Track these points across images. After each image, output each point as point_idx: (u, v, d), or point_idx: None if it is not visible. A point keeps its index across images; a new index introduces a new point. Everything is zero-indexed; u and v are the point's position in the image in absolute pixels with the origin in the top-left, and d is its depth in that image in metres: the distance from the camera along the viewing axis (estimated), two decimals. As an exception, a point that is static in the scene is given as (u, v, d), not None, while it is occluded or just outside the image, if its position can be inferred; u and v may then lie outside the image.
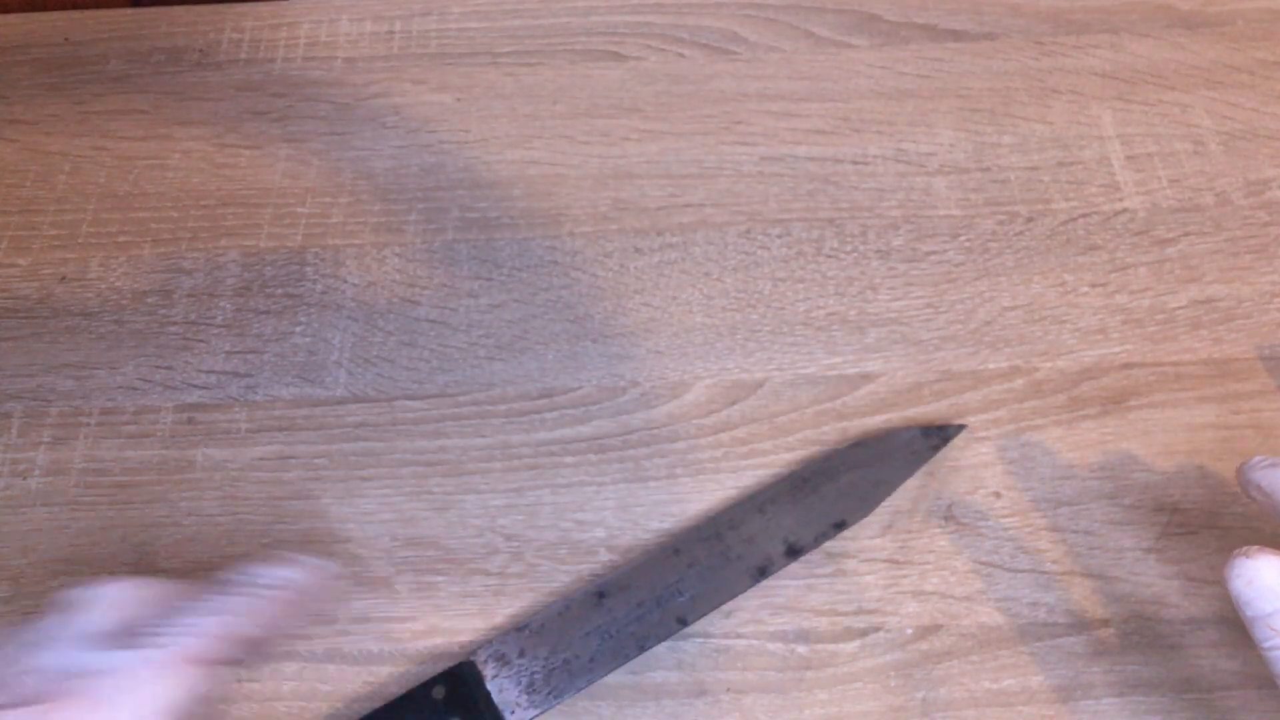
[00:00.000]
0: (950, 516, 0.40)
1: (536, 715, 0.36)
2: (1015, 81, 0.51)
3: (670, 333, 0.44)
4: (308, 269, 0.47)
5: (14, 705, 0.26)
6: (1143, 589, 0.38)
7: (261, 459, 0.42)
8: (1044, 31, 0.53)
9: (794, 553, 0.38)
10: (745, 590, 0.38)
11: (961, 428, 0.41)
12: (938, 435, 0.41)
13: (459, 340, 0.45)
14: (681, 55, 0.53)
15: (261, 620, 0.31)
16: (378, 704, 0.36)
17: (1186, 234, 0.46)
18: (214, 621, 0.30)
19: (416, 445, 0.42)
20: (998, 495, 0.40)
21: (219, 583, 0.31)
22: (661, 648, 0.37)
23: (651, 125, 0.50)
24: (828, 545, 0.39)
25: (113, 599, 0.30)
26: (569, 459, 0.42)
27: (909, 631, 0.38)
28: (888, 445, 0.40)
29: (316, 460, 0.42)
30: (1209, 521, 0.39)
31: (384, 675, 0.37)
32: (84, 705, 0.27)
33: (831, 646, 0.38)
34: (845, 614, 0.38)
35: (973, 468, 0.41)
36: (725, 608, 0.38)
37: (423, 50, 0.54)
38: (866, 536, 0.39)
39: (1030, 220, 0.47)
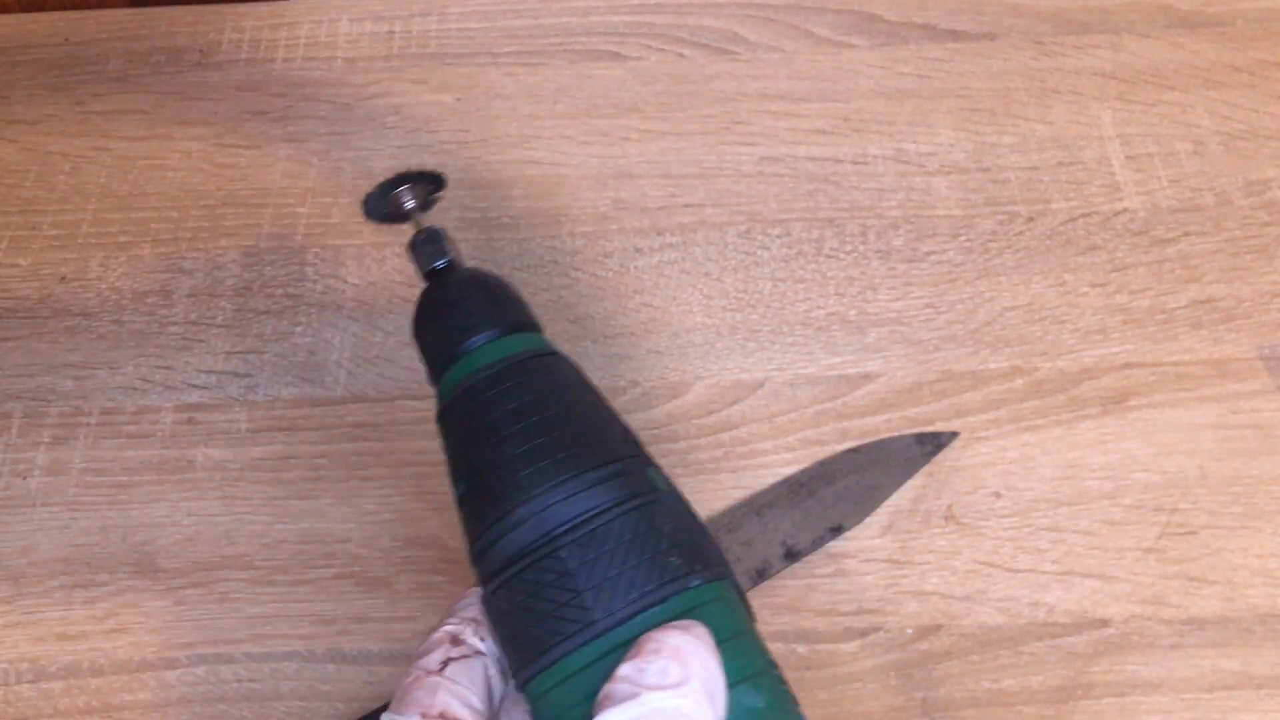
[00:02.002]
0: (950, 516, 0.40)
1: (537, 715, 0.36)
2: (1015, 81, 0.51)
3: (670, 333, 0.44)
4: (308, 269, 0.47)
5: None
6: (1143, 589, 0.38)
7: (261, 459, 0.42)
8: (1044, 31, 0.53)
9: (792, 556, 0.38)
10: (744, 592, 0.38)
11: (955, 435, 0.41)
12: (931, 442, 0.41)
13: (459, 340, 0.44)
14: (681, 55, 0.53)
15: None
16: (378, 704, 0.36)
17: (1186, 234, 0.46)
18: None
19: (416, 445, 0.42)
20: (998, 495, 0.40)
21: None
22: (661, 648, 0.37)
23: (651, 125, 0.50)
24: (827, 545, 0.39)
25: None
26: (569, 459, 0.41)
27: (909, 631, 0.38)
28: (882, 451, 0.40)
29: (316, 460, 0.42)
30: (1209, 521, 0.39)
31: (384, 675, 0.37)
32: None
33: (831, 646, 0.38)
34: (845, 614, 0.38)
35: (973, 468, 0.41)
36: (725, 608, 0.38)
37: (423, 50, 0.54)
38: (866, 537, 0.39)
39: (1030, 220, 0.47)
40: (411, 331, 0.32)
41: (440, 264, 0.32)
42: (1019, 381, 0.43)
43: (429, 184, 0.33)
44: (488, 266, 0.33)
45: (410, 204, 0.33)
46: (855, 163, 0.49)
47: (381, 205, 0.33)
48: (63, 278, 0.47)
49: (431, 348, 0.31)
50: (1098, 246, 0.46)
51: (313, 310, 0.45)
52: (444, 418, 0.30)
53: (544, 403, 0.28)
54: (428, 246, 0.32)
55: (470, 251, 0.47)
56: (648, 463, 0.29)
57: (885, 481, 0.40)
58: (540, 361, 0.30)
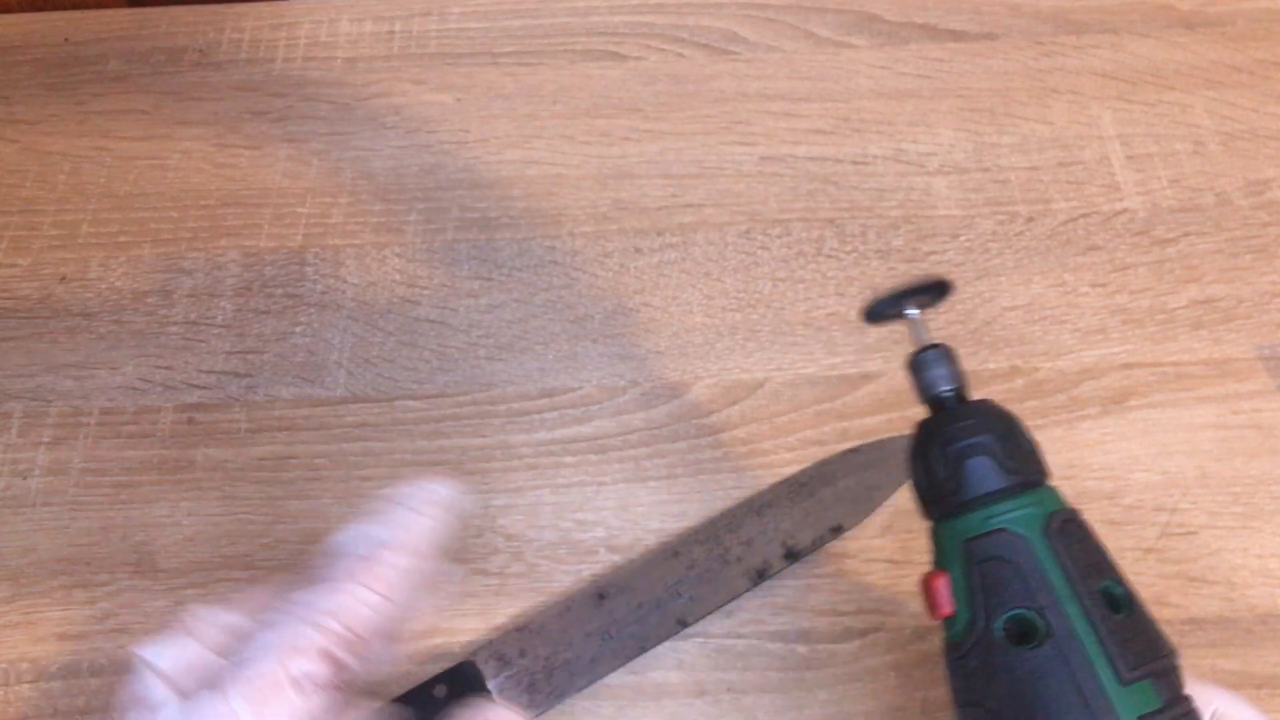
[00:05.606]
0: (950, 516, 0.40)
1: (537, 715, 0.36)
2: (1015, 81, 0.51)
3: (670, 333, 0.44)
4: (308, 269, 0.47)
5: None
6: (1143, 589, 0.38)
7: (261, 459, 0.42)
8: (1044, 31, 0.53)
9: (792, 556, 0.38)
10: (744, 592, 0.38)
11: None
12: None
13: (459, 340, 0.45)
14: (681, 55, 0.53)
15: (375, 602, 0.26)
16: (377, 704, 0.36)
17: (1186, 234, 0.46)
18: (307, 631, 0.25)
19: (416, 445, 0.42)
20: (998, 495, 0.40)
21: (315, 569, 0.26)
22: (662, 648, 0.37)
23: (651, 125, 0.50)
24: (827, 545, 0.39)
25: (174, 653, 0.25)
26: (569, 459, 0.42)
27: (909, 631, 0.38)
28: (883, 451, 0.40)
29: (316, 460, 0.42)
30: (1209, 521, 0.39)
31: (383, 675, 0.37)
32: None
33: (831, 646, 0.38)
34: (845, 614, 0.38)
35: (973, 468, 0.41)
36: (725, 608, 0.38)
37: (423, 50, 0.54)
38: (866, 536, 0.39)
39: (1030, 220, 0.47)
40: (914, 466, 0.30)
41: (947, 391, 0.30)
42: (1019, 381, 0.43)
43: (937, 294, 0.31)
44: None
45: (914, 313, 0.31)
46: (855, 163, 0.49)
47: (882, 314, 0.31)
48: (63, 278, 0.47)
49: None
50: (1098, 246, 0.46)
51: (313, 310, 0.45)
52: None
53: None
54: (939, 368, 0.30)
55: (470, 252, 0.47)
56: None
57: (885, 481, 0.40)
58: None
